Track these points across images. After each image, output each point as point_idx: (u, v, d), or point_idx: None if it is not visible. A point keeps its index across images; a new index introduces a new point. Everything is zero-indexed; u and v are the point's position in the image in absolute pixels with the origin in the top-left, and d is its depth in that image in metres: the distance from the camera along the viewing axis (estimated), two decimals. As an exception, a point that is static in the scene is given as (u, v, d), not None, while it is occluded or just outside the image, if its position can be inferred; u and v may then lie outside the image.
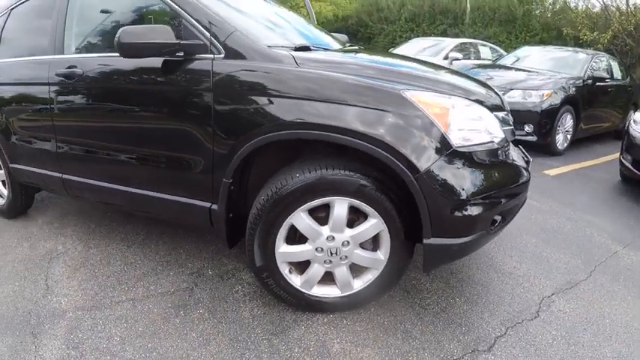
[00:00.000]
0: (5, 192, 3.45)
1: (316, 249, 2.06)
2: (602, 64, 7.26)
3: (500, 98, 2.42)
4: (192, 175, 2.26)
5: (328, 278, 2.17)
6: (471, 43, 10.79)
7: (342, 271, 2.12)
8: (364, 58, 2.57)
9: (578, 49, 8.08)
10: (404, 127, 1.85)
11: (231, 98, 2.07)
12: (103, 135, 2.59)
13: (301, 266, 2.17)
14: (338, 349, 2.01)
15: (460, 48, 9.89)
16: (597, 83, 6.73)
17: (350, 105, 1.87)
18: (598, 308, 2.39)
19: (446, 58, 9.23)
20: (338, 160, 1.98)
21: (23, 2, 3.17)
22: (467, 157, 1.91)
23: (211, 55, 2.12)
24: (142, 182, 2.48)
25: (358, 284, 2.18)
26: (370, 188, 1.93)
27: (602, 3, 12.05)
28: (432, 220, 1.88)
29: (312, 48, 2.33)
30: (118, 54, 2.14)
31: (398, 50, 10.65)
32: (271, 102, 1.98)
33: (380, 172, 1.96)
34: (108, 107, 2.53)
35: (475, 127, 1.98)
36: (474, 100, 2.05)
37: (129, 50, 2.10)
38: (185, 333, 2.11)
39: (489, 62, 9.04)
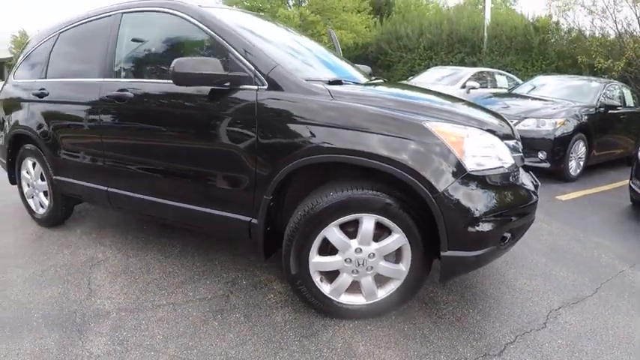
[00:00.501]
0: (47, 202, 3.64)
1: (345, 260, 2.24)
2: (615, 92, 7.34)
3: (511, 128, 2.60)
4: (236, 192, 2.45)
5: (355, 287, 2.34)
6: (488, 72, 10.88)
7: (367, 281, 2.30)
8: (390, 91, 2.77)
9: (592, 78, 8.14)
10: (424, 153, 2.07)
11: (273, 126, 2.29)
12: (150, 153, 2.79)
13: (331, 275, 2.35)
14: (363, 350, 2.18)
15: (477, 77, 9.99)
16: (609, 111, 6.81)
17: (378, 134, 2.10)
18: (602, 321, 2.51)
19: (463, 86, 9.33)
20: (366, 181, 2.19)
21: (71, 27, 3.40)
22: (480, 180, 2.12)
23: (255, 87, 2.33)
24: (187, 197, 2.66)
25: (382, 293, 2.35)
26: (394, 206, 2.13)
27: (616, 31, 12.20)
28: (449, 235, 2.08)
29: (343, 82, 2.54)
30: (168, 80, 2.36)
31: (417, 79, 10.78)
32: (309, 130, 2.19)
33: (403, 192, 2.15)
34: (157, 129, 2.72)
35: (487, 153, 2.19)
36: (486, 130, 2.26)
37: (182, 79, 2.32)
38: (223, 334, 2.28)
39: (506, 91, 9.12)
